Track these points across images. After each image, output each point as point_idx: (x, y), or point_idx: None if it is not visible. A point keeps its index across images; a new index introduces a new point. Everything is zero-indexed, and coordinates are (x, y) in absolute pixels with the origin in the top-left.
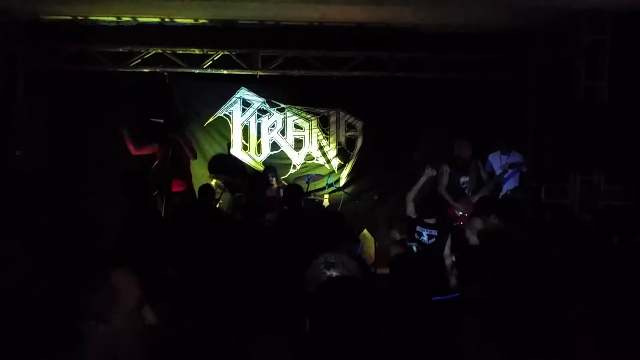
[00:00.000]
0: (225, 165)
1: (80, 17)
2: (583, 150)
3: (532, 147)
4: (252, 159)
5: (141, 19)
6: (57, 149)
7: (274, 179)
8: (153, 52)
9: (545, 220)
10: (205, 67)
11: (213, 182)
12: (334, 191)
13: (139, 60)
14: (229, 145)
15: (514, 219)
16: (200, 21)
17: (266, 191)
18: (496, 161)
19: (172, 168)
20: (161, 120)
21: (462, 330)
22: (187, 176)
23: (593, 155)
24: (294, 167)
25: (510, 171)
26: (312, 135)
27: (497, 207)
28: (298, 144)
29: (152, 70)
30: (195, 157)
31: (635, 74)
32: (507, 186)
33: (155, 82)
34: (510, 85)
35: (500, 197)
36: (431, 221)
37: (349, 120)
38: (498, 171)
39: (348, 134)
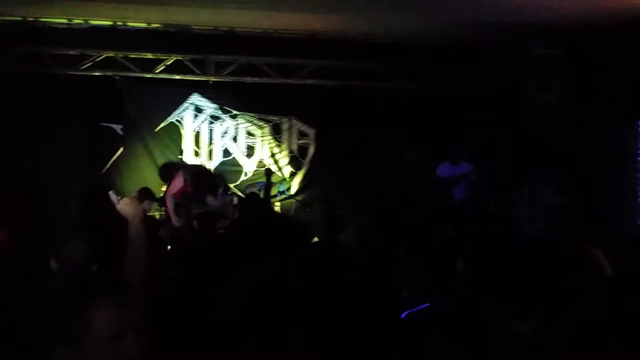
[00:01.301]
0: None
1: (30, 18)
2: (533, 162)
3: (483, 158)
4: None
5: (93, 22)
6: (3, 152)
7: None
8: (105, 56)
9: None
10: (157, 71)
11: (164, 188)
12: (285, 199)
13: (90, 63)
14: (180, 152)
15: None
16: (154, 25)
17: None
18: (445, 171)
19: None
20: (119, 126)
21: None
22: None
23: (543, 166)
24: (246, 174)
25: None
26: (264, 143)
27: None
28: (250, 151)
29: (103, 74)
30: None
31: (586, 87)
32: (457, 196)
33: (106, 86)
34: (459, 96)
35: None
36: None
37: (302, 128)
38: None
39: (300, 141)
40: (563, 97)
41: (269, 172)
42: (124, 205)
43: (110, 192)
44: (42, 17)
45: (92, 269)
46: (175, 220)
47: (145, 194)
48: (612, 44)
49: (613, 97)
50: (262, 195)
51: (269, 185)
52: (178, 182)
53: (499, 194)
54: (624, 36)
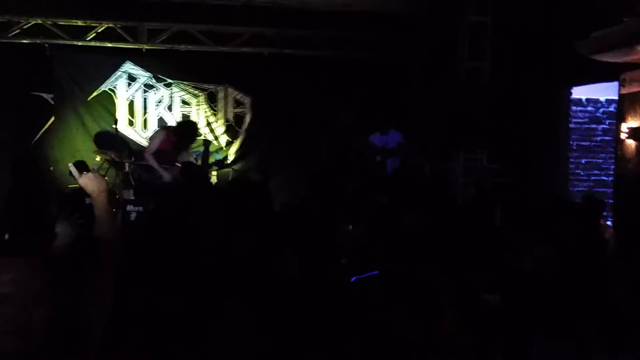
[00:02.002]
0: (111, 141)
1: None
2: (467, 129)
3: (415, 126)
4: (139, 134)
5: None
6: None
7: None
8: (33, 23)
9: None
10: (88, 39)
11: (98, 158)
12: (222, 168)
13: (18, 30)
14: (115, 122)
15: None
16: None
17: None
18: (377, 141)
19: None
20: (49, 96)
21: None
22: None
23: (476, 133)
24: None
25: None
26: (199, 112)
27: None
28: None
29: (32, 41)
30: None
31: (517, 54)
32: (391, 164)
33: (35, 55)
34: (394, 64)
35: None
36: None
37: (238, 97)
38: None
39: (236, 110)
40: (495, 65)
41: (207, 142)
42: (87, 181)
43: (70, 165)
44: None
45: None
46: (166, 176)
47: (80, 167)
48: (543, 11)
49: (545, 64)
50: (199, 163)
51: (206, 154)
52: (157, 140)
53: (433, 162)
54: (554, 2)
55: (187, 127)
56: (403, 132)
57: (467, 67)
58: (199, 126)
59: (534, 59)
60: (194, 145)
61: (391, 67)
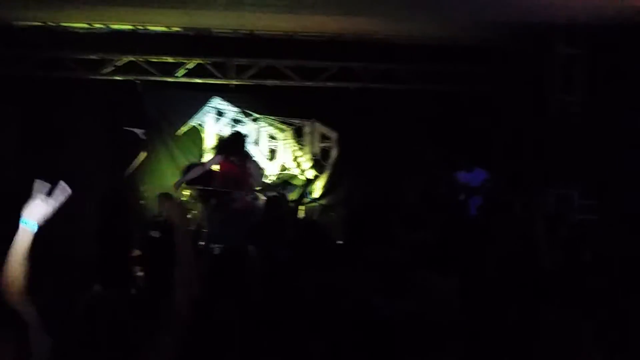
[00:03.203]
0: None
1: (51, 23)
2: (558, 164)
3: (502, 162)
4: None
5: (114, 26)
6: (27, 157)
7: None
8: (126, 60)
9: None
10: (178, 75)
11: (187, 193)
12: (308, 202)
13: (112, 67)
14: (202, 156)
15: None
16: (174, 29)
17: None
18: (461, 179)
19: None
20: (141, 130)
21: None
22: None
23: (568, 169)
24: (268, 177)
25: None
26: (286, 146)
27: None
28: (272, 154)
29: (125, 78)
30: None
31: (609, 88)
32: (474, 203)
33: (127, 91)
34: (481, 97)
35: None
36: None
37: (324, 132)
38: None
39: (323, 145)
40: (587, 98)
41: (309, 181)
42: (172, 209)
43: (158, 194)
44: (62, 22)
45: None
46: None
47: (166, 198)
48: (637, 43)
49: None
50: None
51: (295, 190)
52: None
53: (523, 199)
54: None
55: (231, 137)
56: (489, 168)
57: (558, 100)
58: (244, 136)
59: (627, 92)
60: (279, 176)
61: (478, 101)
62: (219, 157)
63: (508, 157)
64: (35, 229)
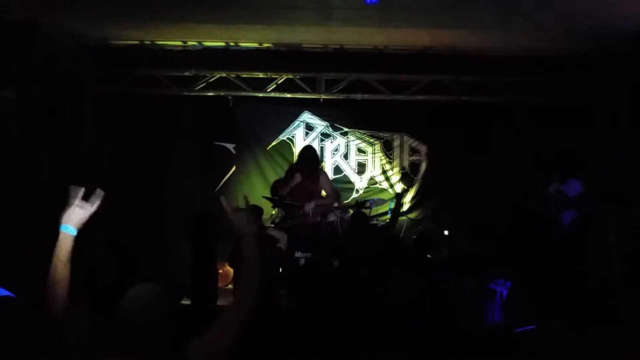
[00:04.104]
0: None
1: (147, 42)
2: None
3: (599, 174)
4: None
5: (207, 44)
6: (122, 173)
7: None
8: (218, 76)
9: None
10: (268, 90)
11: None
12: (396, 216)
13: (204, 84)
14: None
15: None
16: (265, 45)
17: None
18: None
19: None
20: (232, 145)
21: None
22: None
23: None
24: (357, 191)
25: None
26: (375, 160)
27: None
28: (361, 168)
29: (217, 94)
30: None
31: None
32: (567, 217)
33: (219, 106)
34: (575, 109)
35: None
36: None
37: (413, 145)
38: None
39: (412, 158)
40: None
41: (399, 196)
42: (238, 218)
43: (222, 197)
44: (158, 40)
45: None
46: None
47: (253, 210)
48: None
49: None
50: (369, 213)
51: (397, 209)
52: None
53: (622, 211)
54: None
55: (303, 152)
56: (585, 180)
57: None
58: (314, 150)
59: None
60: (363, 194)
61: (572, 113)
62: (297, 172)
63: (606, 169)
64: (74, 233)
